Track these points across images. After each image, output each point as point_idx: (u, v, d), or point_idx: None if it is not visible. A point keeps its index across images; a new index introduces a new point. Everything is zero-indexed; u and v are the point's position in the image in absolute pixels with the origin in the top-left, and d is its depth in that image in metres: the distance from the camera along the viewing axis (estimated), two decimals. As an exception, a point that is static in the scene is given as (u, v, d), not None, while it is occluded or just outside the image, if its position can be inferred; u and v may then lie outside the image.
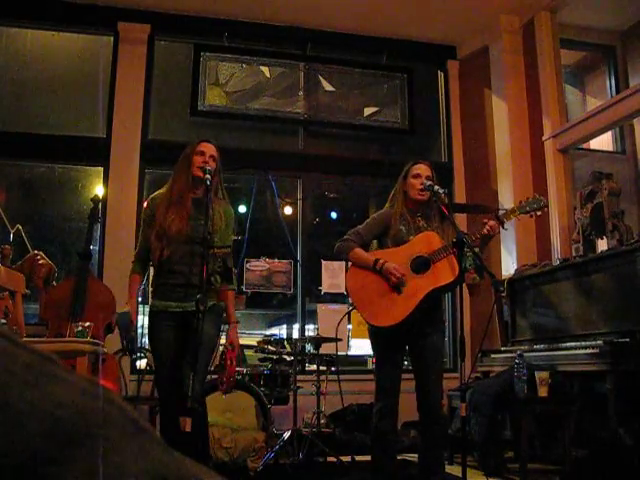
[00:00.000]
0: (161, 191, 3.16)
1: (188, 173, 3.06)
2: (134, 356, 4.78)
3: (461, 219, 5.64)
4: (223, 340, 3.36)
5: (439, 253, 3.01)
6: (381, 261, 3.02)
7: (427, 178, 3.16)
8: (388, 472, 3.06)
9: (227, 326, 3.25)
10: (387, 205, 3.30)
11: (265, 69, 6.17)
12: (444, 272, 3.01)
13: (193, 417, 2.86)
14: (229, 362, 3.12)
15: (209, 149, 3.10)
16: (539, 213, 3.21)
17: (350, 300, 3.31)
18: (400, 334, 3.05)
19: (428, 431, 3.06)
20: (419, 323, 3.04)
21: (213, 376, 3.89)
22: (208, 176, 2.97)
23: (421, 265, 3.03)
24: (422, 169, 3.19)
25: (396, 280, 2.99)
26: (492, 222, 3.06)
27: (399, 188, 3.24)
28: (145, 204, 3.23)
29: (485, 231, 3.06)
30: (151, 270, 3.34)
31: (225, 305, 3.13)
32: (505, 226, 3.15)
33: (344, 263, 5.66)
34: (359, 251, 3.11)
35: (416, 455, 3.28)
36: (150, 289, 3.22)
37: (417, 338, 3.08)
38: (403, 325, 2.97)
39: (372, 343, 3.22)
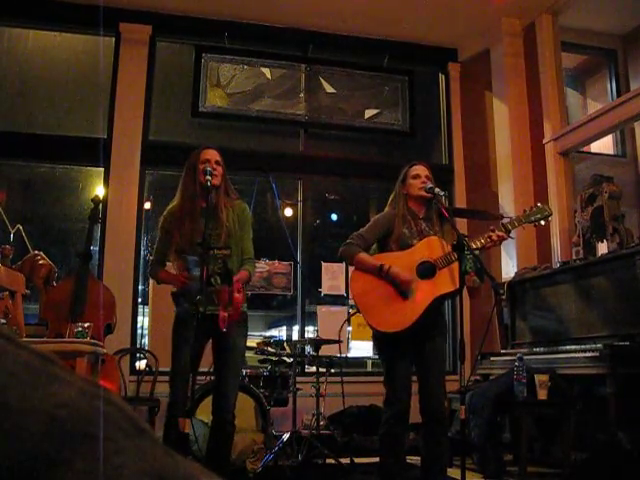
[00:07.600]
0: (174, 204, 3.15)
1: (196, 183, 3.06)
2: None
3: (462, 224, 5.63)
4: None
5: (444, 260, 3.01)
6: (386, 266, 2.99)
7: (426, 178, 3.16)
8: (398, 476, 3.05)
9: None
10: (387, 208, 3.29)
11: (266, 70, 6.18)
12: (450, 279, 3.00)
13: (225, 430, 2.96)
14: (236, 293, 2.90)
15: (213, 155, 3.10)
16: (543, 223, 3.19)
17: (354, 305, 3.29)
18: (406, 339, 3.04)
19: (431, 432, 3.04)
20: (424, 327, 3.03)
21: (208, 378, 3.89)
22: (209, 177, 2.98)
23: (427, 270, 3.02)
24: (420, 169, 3.19)
25: (406, 283, 2.96)
26: (500, 233, 3.06)
27: (398, 191, 3.23)
28: (162, 217, 3.20)
29: (492, 241, 3.05)
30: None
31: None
32: (511, 235, 3.15)
33: (344, 265, 5.66)
34: (363, 256, 3.07)
35: (416, 457, 3.27)
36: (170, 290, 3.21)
37: (421, 341, 3.07)
38: (409, 330, 2.97)
39: (378, 349, 3.20)
